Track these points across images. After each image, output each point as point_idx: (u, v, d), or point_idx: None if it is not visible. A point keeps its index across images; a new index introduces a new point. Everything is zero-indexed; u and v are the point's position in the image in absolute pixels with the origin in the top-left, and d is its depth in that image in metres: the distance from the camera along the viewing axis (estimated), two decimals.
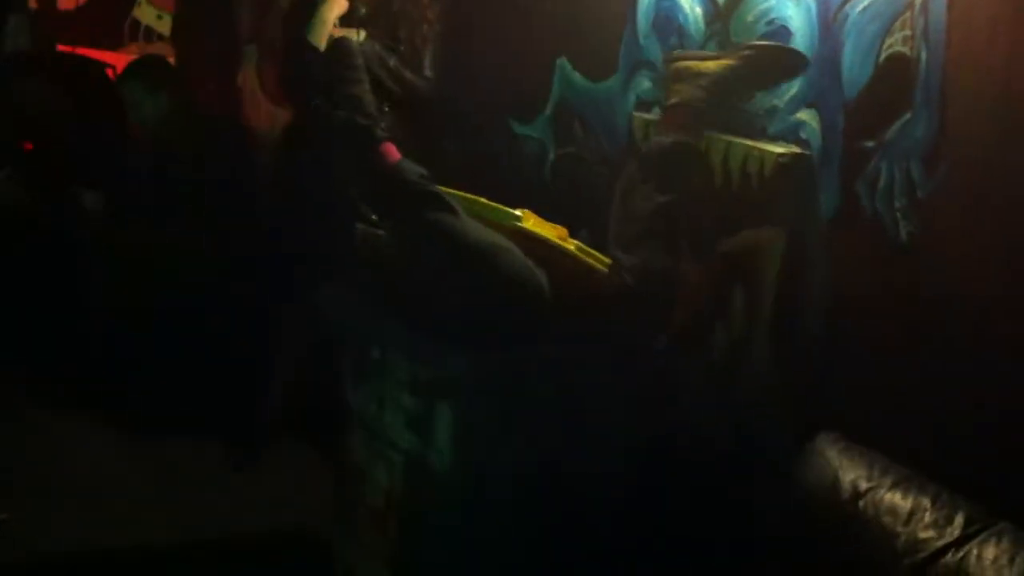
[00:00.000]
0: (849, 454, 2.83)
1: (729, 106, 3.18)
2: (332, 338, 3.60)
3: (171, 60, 6.03)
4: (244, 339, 4.48)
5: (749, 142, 3.16)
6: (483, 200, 3.20)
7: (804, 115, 3.09)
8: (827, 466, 2.83)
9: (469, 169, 3.91)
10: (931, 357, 2.74)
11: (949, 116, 2.70)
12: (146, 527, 3.91)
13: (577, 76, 3.85)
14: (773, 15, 3.16)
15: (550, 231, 3.17)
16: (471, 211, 3.13)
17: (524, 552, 3.08)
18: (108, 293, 4.85)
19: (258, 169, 4.98)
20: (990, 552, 2.49)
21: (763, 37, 3.18)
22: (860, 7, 2.91)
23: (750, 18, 3.22)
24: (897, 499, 2.68)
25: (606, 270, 3.11)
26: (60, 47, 6.43)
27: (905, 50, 2.80)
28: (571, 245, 3.17)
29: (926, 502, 2.64)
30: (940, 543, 2.56)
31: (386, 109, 3.90)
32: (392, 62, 4.15)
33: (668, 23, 3.48)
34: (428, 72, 4.46)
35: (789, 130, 3.12)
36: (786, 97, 3.13)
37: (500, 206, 3.19)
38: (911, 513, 2.64)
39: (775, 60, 3.09)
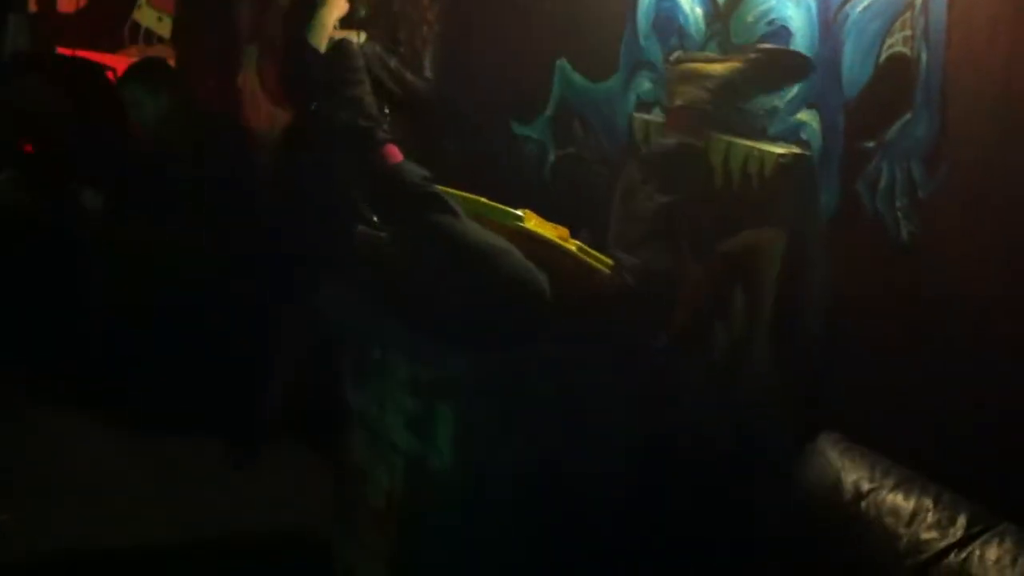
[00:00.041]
0: (851, 455, 2.83)
1: (734, 108, 3.18)
2: (332, 338, 3.60)
3: (171, 62, 6.03)
4: (244, 337, 4.48)
5: (749, 142, 3.16)
6: (485, 200, 3.20)
7: (804, 115, 3.09)
8: (829, 467, 2.83)
9: (469, 170, 3.91)
10: (932, 357, 2.75)
11: (950, 116, 2.70)
12: (146, 525, 3.91)
13: (577, 76, 3.86)
14: (773, 15, 3.16)
15: (551, 231, 3.16)
16: (473, 211, 3.13)
17: (525, 552, 3.08)
18: (108, 291, 4.86)
19: (258, 169, 4.98)
20: (992, 553, 2.49)
21: (763, 37, 3.18)
22: (860, 7, 2.92)
23: (750, 18, 3.23)
24: (899, 500, 2.68)
25: (607, 271, 3.11)
26: (60, 49, 6.43)
27: (905, 50, 2.80)
28: (572, 245, 3.16)
29: (928, 503, 2.64)
30: (942, 544, 2.56)
31: (387, 111, 3.90)
32: (392, 63, 4.15)
33: (668, 23, 3.48)
34: (428, 73, 4.47)
35: (790, 130, 3.13)
36: (786, 98, 3.14)
37: (502, 206, 3.19)
38: (913, 514, 2.63)
39: (781, 63, 3.09)
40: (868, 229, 2.89)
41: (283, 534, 3.93)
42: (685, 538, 3.09)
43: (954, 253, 2.71)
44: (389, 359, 3.21)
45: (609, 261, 3.14)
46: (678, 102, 3.18)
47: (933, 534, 2.58)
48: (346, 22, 4.13)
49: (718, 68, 3.13)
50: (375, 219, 3.47)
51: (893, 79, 2.83)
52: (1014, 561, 2.45)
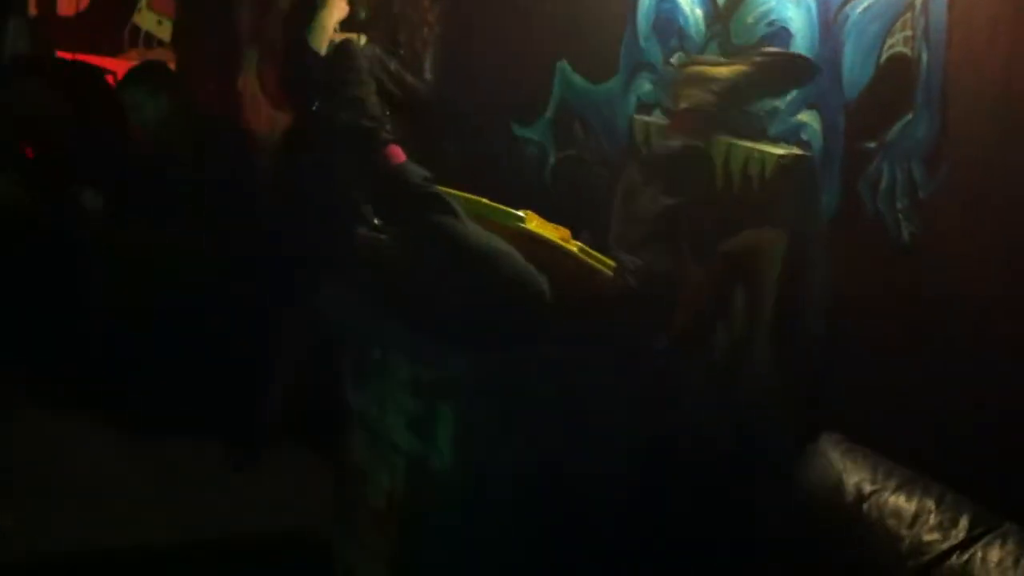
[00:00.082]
0: (852, 456, 2.83)
1: (739, 111, 3.18)
2: (333, 339, 3.60)
3: (172, 66, 6.03)
4: (244, 339, 4.48)
5: (750, 144, 3.16)
6: (486, 201, 3.21)
7: (805, 116, 3.09)
8: (830, 468, 2.83)
9: (470, 171, 3.91)
10: (932, 357, 2.75)
11: (950, 116, 2.70)
12: (146, 527, 3.91)
13: (577, 78, 3.86)
14: (773, 16, 3.17)
15: (553, 232, 3.17)
16: (475, 212, 3.13)
17: (525, 553, 3.08)
18: (108, 293, 4.85)
19: (258, 171, 4.99)
20: (995, 555, 2.48)
21: (763, 38, 3.19)
22: (861, 8, 2.92)
23: (750, 19, 3.23)
24: (901, 502, 2.67)
25: (609, 272, 3.11)
26: (60, 53, 6.42)
27: (906, 51, 2.80)
28: (574, 247, 3.17)
29: (930, 504, 2.63)
30: (945, 546, 2.55)
31: (387, 112, 3.90)
32: (393, 65, 4.15)
33: (668, 25, 3.48)
34: (429, 75, 4.47)
35: (790, 131, 3.13)
36: (787, 99, 3.14)
37: (503, 207, 3.19)
38: (915, 516, 2.63)
39: (787, 68, 3.10)
40: (869, 230, 2.89)
41: (283, 535, 3.93)
42: (686, 539, 3.09)
43: (954, 253, 2.71)
44: (390, 360, 3.21)
45: (611, 263, 3.14)
46: (683, 105, 3.18)
47: (935, 536, 2.58)
48: (346, 25, 4.14)
49: (724, 71, 3.13)
50: (375, 221, 3.47)
51: (894, 80, 2.84)
52: (1016, 563, 2.45)
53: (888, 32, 2.84)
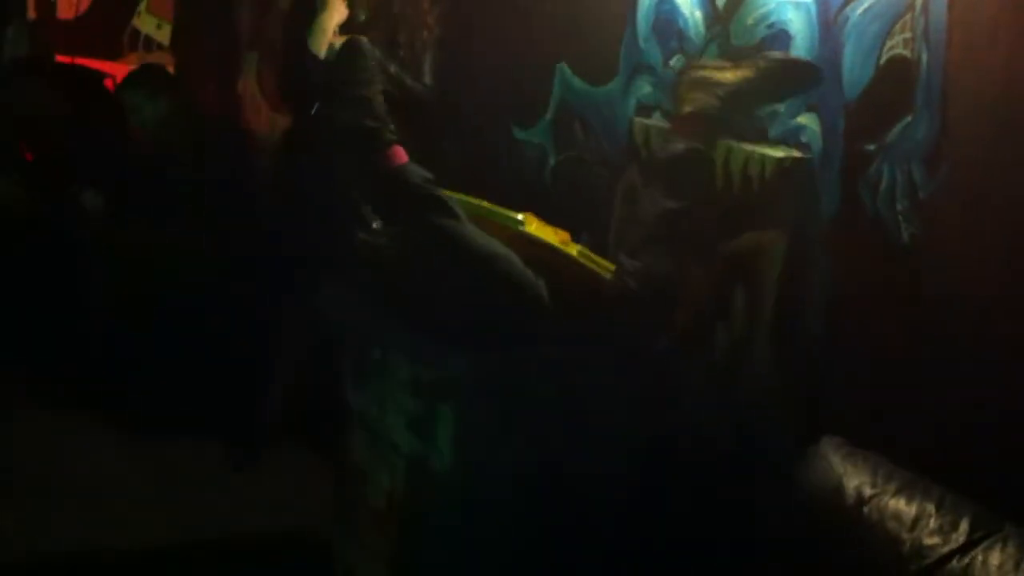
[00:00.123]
0: (853, 460, 2.82)
1: (743, 115, 3.19)
2: (333, 339, 3.60)
3: (171, 69, 6.03)
4: (244, 339, 4.49)
5: (750, 146, 3.17)
6: (486, 204, 3.21)
7: (805, 118, 3.10)
8: (831, 472, 2.82)
9: (470, 173, 3.92)
10: (932, 357, 2.75)
11: (950, 117, 2.71)
12: (146, 527, 3.91)
13: (577, 80, 3.86)
14: (773, 18, 3.17)
15: (552, 235, 3.17)
16: (475, 214, 3.14)
17: (525, 553, 3.08)
18: (108, 294, 4.86)
19: (258, 172, 4.99)
20: (995, 558, 2.48)
21: (763, 40, 3.19)
22: (860, 9, 2.92)
23: (750, 21, 3.23)
24: (902, 505, 2.67)
25: (609, 275, 3.12)
26: (59, 57, 6.42)
27: (906, 52, 2.81)
28: (573, 250, 3.17)
29: (931, 507, 2.63)
30: (945, 549, 2.55)
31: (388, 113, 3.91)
32: (393, 68, 4.16)
33: (668, 26, 3.49)
34: (428, 77, 4.47)
35: (790, 134, 3.13)
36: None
37: (503, 210, 3.20)
38: (916, 519, 2.63)
39: (792, 73, 3.10)
40: (869, 230, 2.89)
41: (283, 535, 3.93)
42: (686, 539, 3.09)
43: (954, 253, 2.71)
44: (390, 360, 3.21)
45: (610, 266, 3.14)
46: (687, 108, 3.17)
47: (936, 539, 2.58)
48: (346, 27, 4.14)
49: (729, 76, 3.13)
50: (375, 222, 3.48)
51: (893, 81, 2.84)
52: (1017, 566, 2.45)
53: (888, 34, 2.85)
